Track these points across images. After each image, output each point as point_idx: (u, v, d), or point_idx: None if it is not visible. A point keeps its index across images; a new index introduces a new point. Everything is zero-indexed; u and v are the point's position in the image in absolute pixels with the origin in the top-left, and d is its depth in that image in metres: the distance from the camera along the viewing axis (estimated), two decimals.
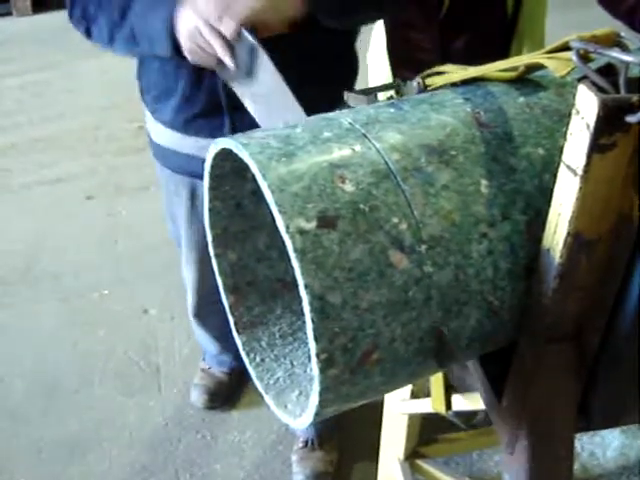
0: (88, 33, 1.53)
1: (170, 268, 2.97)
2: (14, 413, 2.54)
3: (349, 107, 1.12)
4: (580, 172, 0.81)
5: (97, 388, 2.62)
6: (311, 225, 0.79)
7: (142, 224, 3.41)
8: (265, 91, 1.25)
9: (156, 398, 2.57)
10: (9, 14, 6.33)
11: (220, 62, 1.28)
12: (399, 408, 1.65)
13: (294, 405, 0.97)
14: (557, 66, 0.87)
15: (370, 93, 1.15)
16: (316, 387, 0.82)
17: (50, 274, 3.20)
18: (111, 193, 3.74)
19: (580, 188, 0.81)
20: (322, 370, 0.80)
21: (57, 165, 4.04)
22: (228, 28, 1.22)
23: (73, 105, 4.60)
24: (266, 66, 1.23)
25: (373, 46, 2.10)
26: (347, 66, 1.70)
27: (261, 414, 2.41)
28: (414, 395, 1.58)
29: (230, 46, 1.24)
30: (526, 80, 1.00)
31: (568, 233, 0.85)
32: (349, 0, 1.38)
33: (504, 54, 1.87)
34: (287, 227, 0.78)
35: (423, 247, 0.83)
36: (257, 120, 1.34)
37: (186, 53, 1.32)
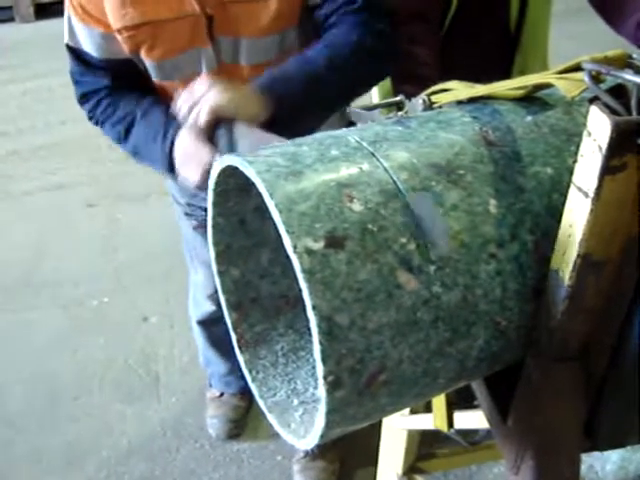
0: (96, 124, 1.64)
1: (170, 276, 2.97)
2: (13, 421, 2.53)
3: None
4: (591, 194, 0.80)
5: (96, 396, 2.62)
6: (319, 245, 0.78)
7: (143, 232, 3.41)
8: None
9: (155, 407, 2.56)
10: (12, 20, 6.34)
11: None
12: (399, 423, 1.63)
13: (298, 425, 0.96)
14: (568, 87, 0.86)
15: (373, 109, 1.15)
16: (322, 409, 0.81)
17: (50, 281, 3.20)
18: (112, 201, 3.74)
19: (591, 210, 0.81)
20: (329, 392, 0.79)
21: (59, 172, 4.04)
22: (202, 121, 1.28)
23: (76, 112, 4.55)
24: (244, 133, 1.26)
25: None
26: None
27: (260, 424, 2.40)
28: (413, 410, 1.56)
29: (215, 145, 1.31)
30: (533, 98, 0.99)
31: (578, 255, 0.84)
32: (308, 114, 1.41)
33: (507, 68, 1.86)
34: (295, 247, 0.77)
35: (432, 268, 0.82)
36: None
37: (182, 174, 1.38)
